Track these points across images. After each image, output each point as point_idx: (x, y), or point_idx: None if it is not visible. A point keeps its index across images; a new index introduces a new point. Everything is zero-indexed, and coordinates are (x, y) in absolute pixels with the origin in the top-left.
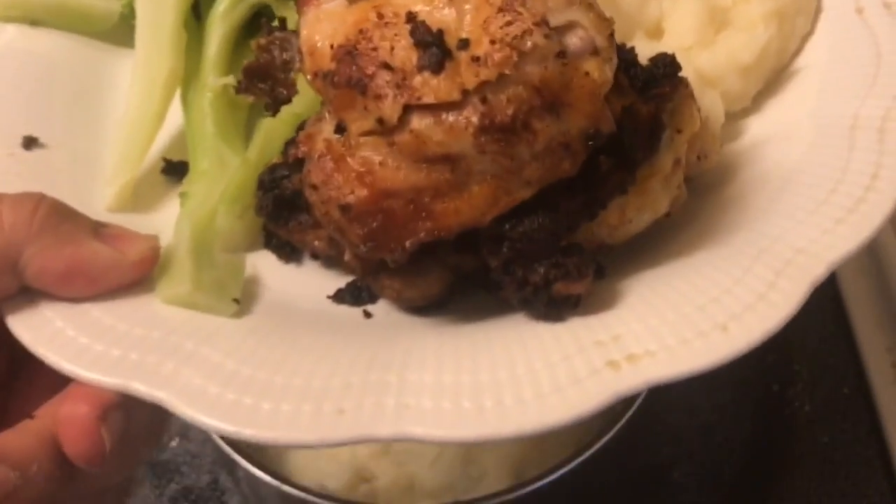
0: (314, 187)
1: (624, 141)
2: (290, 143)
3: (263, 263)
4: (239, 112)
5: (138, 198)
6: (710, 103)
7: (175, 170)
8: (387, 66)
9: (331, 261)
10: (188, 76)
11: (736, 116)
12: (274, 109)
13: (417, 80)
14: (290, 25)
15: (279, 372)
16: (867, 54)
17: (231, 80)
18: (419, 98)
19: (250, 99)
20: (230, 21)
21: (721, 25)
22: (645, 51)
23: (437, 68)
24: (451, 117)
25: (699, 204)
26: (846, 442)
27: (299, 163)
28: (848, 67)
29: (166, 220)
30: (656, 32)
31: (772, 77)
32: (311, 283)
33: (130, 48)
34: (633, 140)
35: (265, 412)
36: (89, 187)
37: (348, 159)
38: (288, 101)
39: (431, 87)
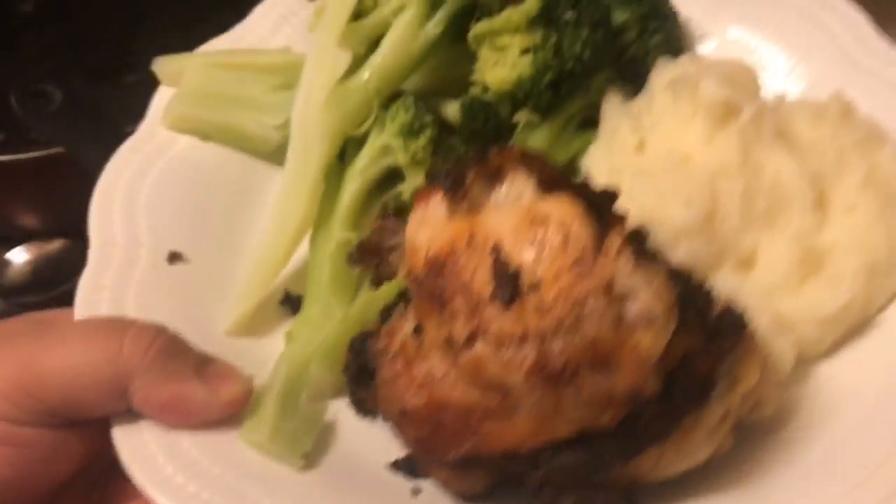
0: (383, 384)
1: (674, 388)
2: (387, 310)
3: (343, 412)
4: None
5: (254, 323)
6: (782, 350)
7: (291, 303)
8: (465, 291)
9: None
10: (320, 222)
11: (807, 360)
12: (376, 284)
13: (489, 310)
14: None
15: None
16: None
17: (353, 236)
18: (486, 328)
19: (359, 269)
20: (365, 178)
21: (812, 269)
22: (732, 284)
23: (506, 304)
24: (509, 352)
25: (749, 445)
26: None
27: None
28: None
29: (273, 350)
30: (747, 264)
31: (853, 328)
32: (378, 442)
33: (280, 170)
34: (684, 390)
35: None
36: (217, 303)
37: (416, 365)
38: (390, 279)
39: (498, 321)
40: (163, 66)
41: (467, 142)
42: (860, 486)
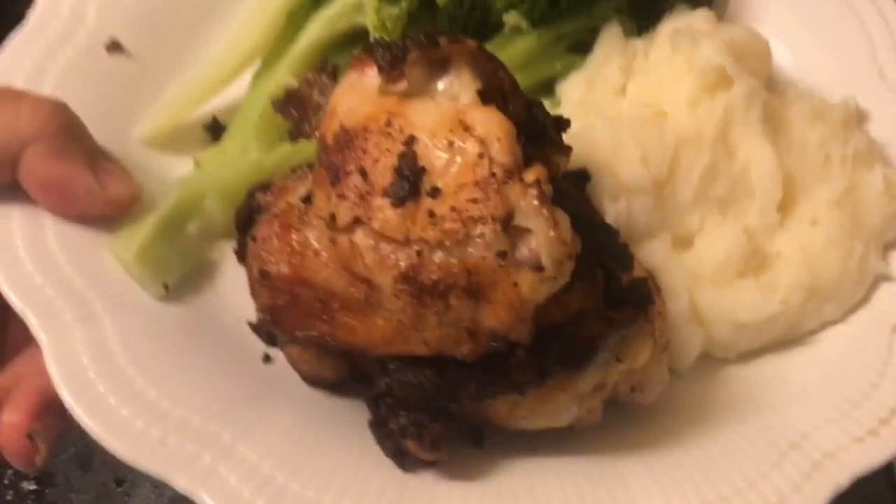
0: (253, 238)
1: (552, 343)
2: (301, 168)
3: (228, 257)
4: None
5: (172, 139)
6: (687, 340)
7: (215, 131)
8: (363, 174)
9: None
10: (271, 57)
11: (717, 359)
12: (293, 139)
13: (378, 202)
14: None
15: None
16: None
17: (294, 82)
18: (369, 219)
19: (278, 118)
20: (328, 29)
21: (749, 270)
22: (660, 257)
23: (398, 202)
24: (387, 249)
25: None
26: None
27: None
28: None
29: (180, 173)
30: (684, 242)
31: (774, 343)
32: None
33: None
34: (562, 349)
35: None
36: (142, 107)
37: (293, 233)
38: (307, 137)
39: (386, 215)
40: None
41: (444, 25)
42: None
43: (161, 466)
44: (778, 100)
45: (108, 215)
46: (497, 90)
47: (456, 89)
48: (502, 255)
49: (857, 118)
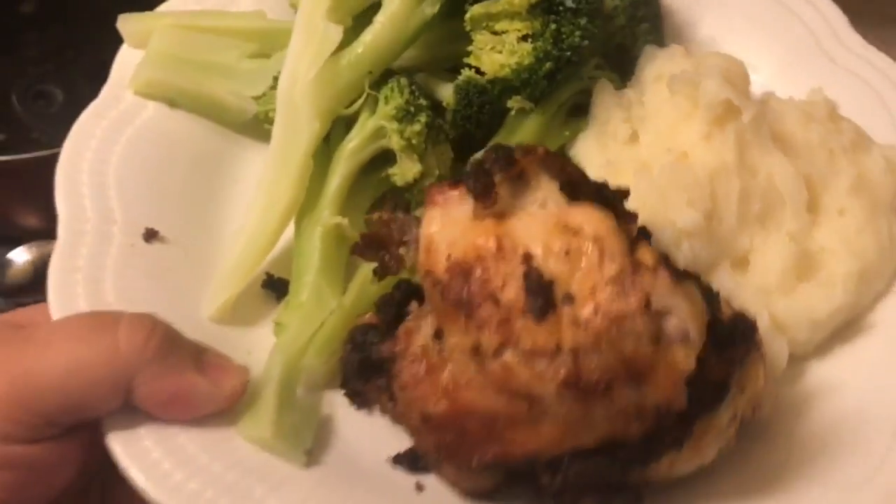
0: (403, 388)
1: (690, 396)
2: (385, 299)
3: (338, 402)
4: (343, 250)
5: (237, 307)
6: (777, 351)
7: (275, 286)
8: (495, 301)
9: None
10: (306, 205)
11: (796, 359)
12: (380, 277)
13: (519, 322)
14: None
15: None
16: None
17: (345, 221)
18: (517, 340)
19: (362, 261)
20: (355, 161)
21: (804, 272)
22: (728, 283)
23: (539, 317)
24: (541, 364)
25: (746, 447)
26: None
27: (393, 331)
28: None
29: (258, 336)
30: (742, 263)
31: (839, 328)
32: (378, 436)
33: (258, 142)
34: (698, 398)
35: None
36: (197, 289)
37: (439, 371)
38: (395, 273)
39: (531, 332)
40: (127, 24)
41: (458, 125)
42: (862, 486)
43: None
44: (771, 112)
45: (227, 409)
46: (570, 182)
47: (541, 196)
48: (655, 339)
49: (836, 109)
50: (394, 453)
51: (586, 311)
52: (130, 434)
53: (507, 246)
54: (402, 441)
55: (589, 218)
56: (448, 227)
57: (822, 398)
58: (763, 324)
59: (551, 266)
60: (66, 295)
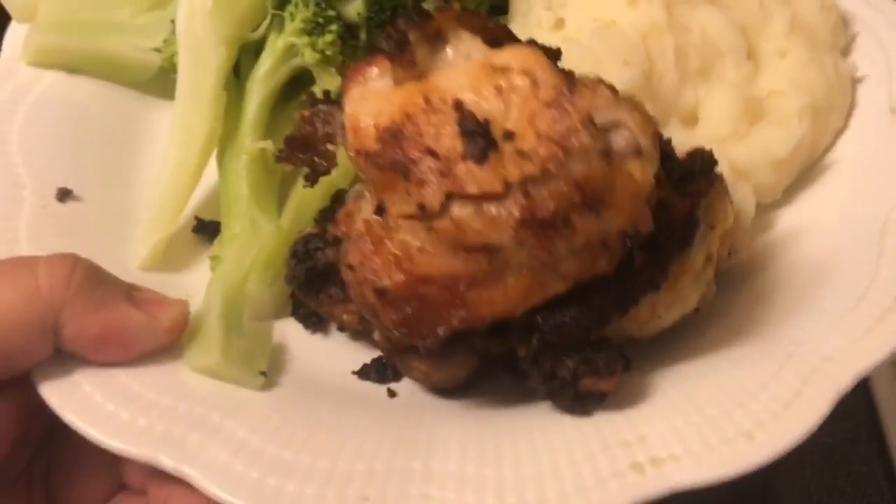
0: (351, 268)
1: (658, 236)
2: (324, 213)
3: (290, 331)
4: (273, 176)
5: (168, 256)
6: (743, 197)
7: (206, 229)
8: (432, 153)
9: (357, 334)
10: (225, 137)
11: (766, 208)
12: (313, 180)
13: (461, 168)
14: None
15: (304, 452)
16: None
17: (269, 144)
18: (462, 187)
19: (289, 168)
20: (270, 84)
21: (755, 117)
22: (679, 138)
23: (481, 158)
24: (492, 208)
25: (727, 298)
26: (846, 442)
27: (335, 236)
28: (879, 169)
29: (195, 280)
30: (691, 120)
31: (803, 170)
32: (337, 355)
33: (166, 99)
34: (667, 236)
35: (289, 495)
36: (121, 242)
37: (387, 242)
38: (327, 172)
39: (475, 177)
40: (12, 0)
41: (374, 35)
42: (852, 310)
43: None
44: None
45: (168, 344)
46: (494, 39)
47: (463, 50)
48: (605, 153)
49: None
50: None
51: (528, 141)
52: (65, 380)
53: (434, 98)
54: (365, 356)
55: (515, 55)
56: (371, 100)
57: (797, 241)
58: (723, 172)
59: (484, 107)
60: None
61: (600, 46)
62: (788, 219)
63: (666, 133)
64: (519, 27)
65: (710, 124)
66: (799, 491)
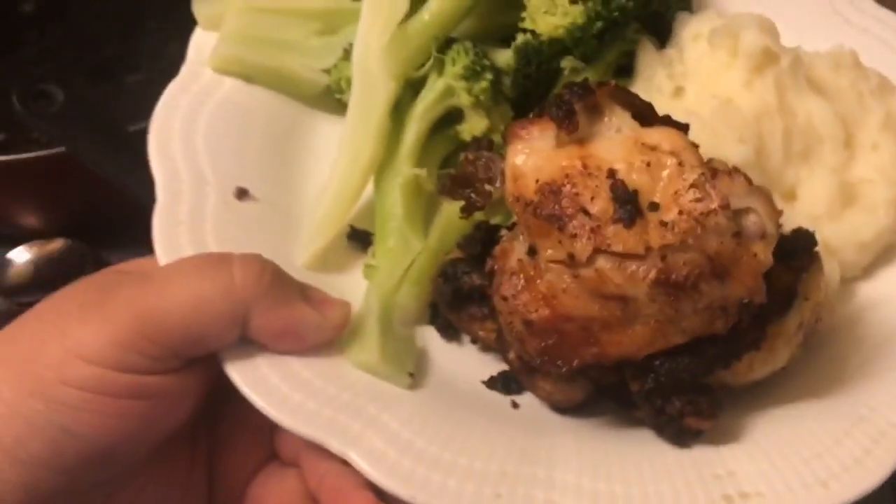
0: (504, 299)
1: (763, 303)
2: (467, 239)
3: (429, 338)
4: (422, 199)
5: (326, 258)
6: (830, 271)
7: (359, 237)
8: (585, 212)
9: (486, 348)
10: (384, 161)
11: (847, 281)
12: (468, 213)
13: (610, 229)
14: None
15: (447, 448)
16: None
17: (423, 172)
18: (609, 245)
19: (449, 201)
20: (427, 119)
21: (847, 201)
22: None
23: (629, 223)
24: (632, 266)
25: (810, 359)
26: None
27: (478, 265)
28: None
29: (348, 283)
30: (791, 196)
31: (884, 250)
32: (469, 364)
33: (329, 114)
34: (770, 303)
35: (435, 484)
36: (287, 241)
37: (537, 281)
38: (482, 209)
39: (621, 238)
40: (201, 8)
41: (518, 84)
42: None
43: None
44: (803, 61)
45: (334, 339)
46: (639, 113)
47: (616, 123)
48: (737, 235)
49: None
50: (486, 378)
51: (671, 214)
52: (247, 363)
53: (591, 165)
54: (492, 368)
55: (664, 136)
56: (533, 156)
57: (874, 311)
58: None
59: (635, 178)
60: (172, 243)
61: (720, 123)
62: (867, 292)
63: None
64: (642, 90)
65: (807, 203)
66: None
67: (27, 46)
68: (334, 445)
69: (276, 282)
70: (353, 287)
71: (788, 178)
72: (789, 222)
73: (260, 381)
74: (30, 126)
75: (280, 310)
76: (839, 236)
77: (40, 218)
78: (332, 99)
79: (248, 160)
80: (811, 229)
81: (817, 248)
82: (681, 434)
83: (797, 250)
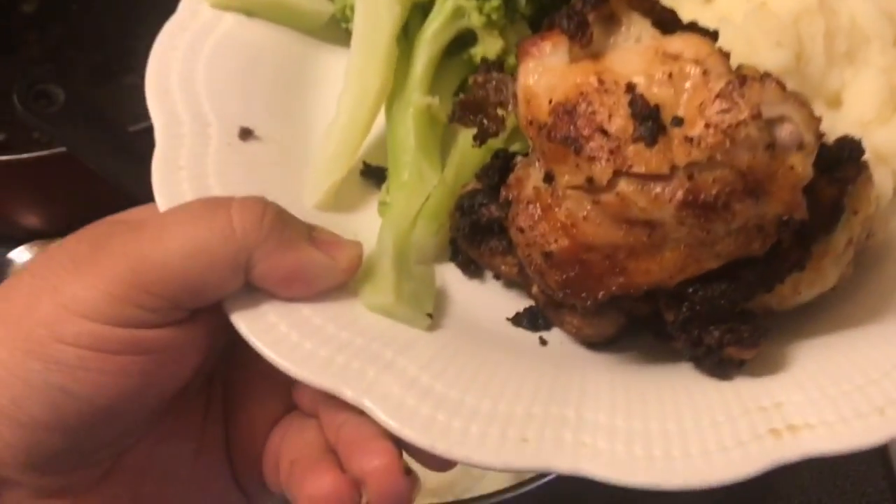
0: (521, 230)
1: (805, 220)
2: (485, 169)
3: (448, 275)
4: (436, 129)
5: (339, 197)
6: (882, 180)
7: (373, 174)
8: (603, 131)
9: (511, 283)
10: (394, 90)
11: None
12: (481, 140)
13: (631, 149)
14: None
15: (469, 392)
16: None
17: (435, 100)
18: (630, 166)
19: (461, 127)
20: (437, 43)
21: None
22: (824, 120)
23: (650, 141)
24: (657, 188)
25: (862, 277)
26: None
27: (497, 195)
28: None
29: (363, 222)
30: (835, 102)
31: None
32: (492, 301)
33: (336, 46)
34: (814, 219)
35: (456, 431)
36: (297, 182)
37: (555, 209)
38: (496, 135)
39: (643, 157)
40: None
41: (534, 1)
42: None
43: None
44: None
45: (345, 282)
46: (661, 21)
47: (635, 32)
48: (770, 146)
49: None
50: (511, 315)
51: (697, 128)
52: (254, 311)
53: (608, 80)
54: (517, 304)
55: (688, 43)
56: (545, 75)
57: None
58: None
59: (656, 92)
60: (172, 191)
61: (754, 27)
62: None
63: None
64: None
65: (854, 108)
66: (798, 490)
67: (27, 46)
68: (348, 394)
69: (279, 224)
70: (370, 227)
71: (832, 82)
72: (835, 131)
73: (268, 330)
74: (30, 126)
75: (285, 253)
76: (891, 141)
77: (40, 218)
78: (339, 29)
79: (253, 99)
80: (858, 137)
81: (865, 157)
82: (721, 365)
83: (842, 160)
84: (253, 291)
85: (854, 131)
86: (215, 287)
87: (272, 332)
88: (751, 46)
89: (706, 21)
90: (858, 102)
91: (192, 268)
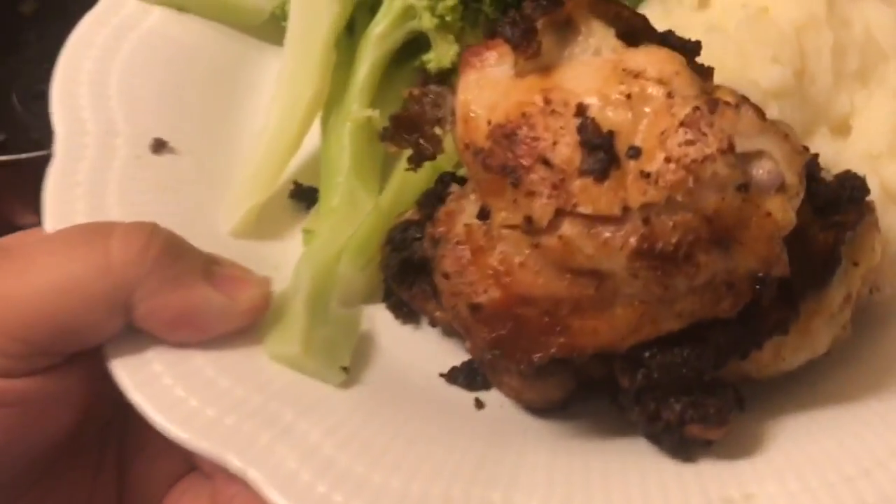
0: (446, 276)
1: (792, 272)
2: (428, 196)
3: (379, 318)
4: (377, 147)
5: (261, 221)
6: (891, 224)
7: (304, 195)
8: (546, 162)
9: (450, 331)
10: (331, 99)
11: None
12: (416, 164)
13: (577, 184)
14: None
15: (377, 466)
16: None
17: (376, 113)
18: (575, 205)
19: (392, 149)
20: (383, 47)
21: None
22: (827, 151)
23: (600, 175)
24: (606, 232)
25: (863, 340)
26: None
27: (432, 236)
28: None
29: (287, 250)
30: (843, 129)
31: None
32: (426, 351)
33: (275, 46)
34: (804, 272)
35: None
36: (214, 202)
37: (487, 253)
38: (432, 157)
39: (591, 195)
40: None
41: (497, 4)
42: None
43: None
44: None
45: (246, 326)
46: (630, 32)
47: (594, 43)
48: (743, 187)
49: None
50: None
51: (656, 162)
52: (137, 358)
53: (556, 99)
54: (455, 356)
55: (652, 58)
56: (486, 90)
57: None
58: (873, 192)
59: (610, 115)
60: (63, 210)
61: (748, 38)
62: None
63: (813, 145)
64: (658, 2)
65: (864, 137)
66: None
67: (27, 46)
68: (234, 463)
69: (168, 256)
70: (294, 255)
71: (839, 106)
72: (840, 163)
73: (150, 381)
74: (30, 126)
75: (171, 293)
76: None
77: (40, 218)
78: (280, 28)
79: (173, 105)
80: (862, 174)
81: (870, 198)
82: (682, 445)
83: (842, 201)
84: (139, 334)
85: (862, 164)
86: (90, 329)
87: (154, 385)
88: (743, 60)
89: (696, 30)
90: (869, 130)
91: (61, 307)
